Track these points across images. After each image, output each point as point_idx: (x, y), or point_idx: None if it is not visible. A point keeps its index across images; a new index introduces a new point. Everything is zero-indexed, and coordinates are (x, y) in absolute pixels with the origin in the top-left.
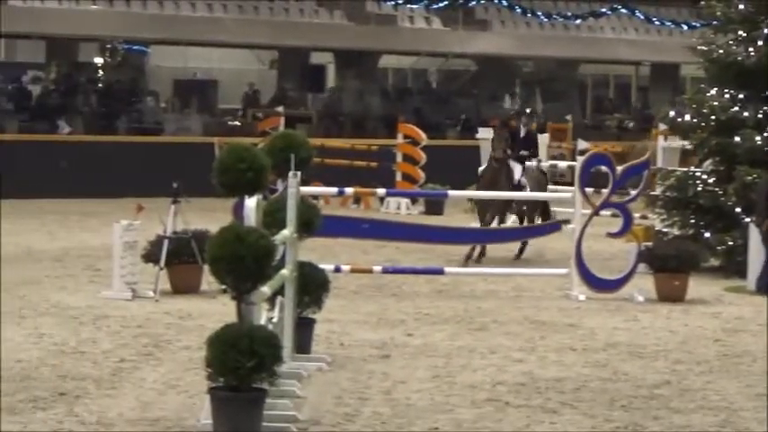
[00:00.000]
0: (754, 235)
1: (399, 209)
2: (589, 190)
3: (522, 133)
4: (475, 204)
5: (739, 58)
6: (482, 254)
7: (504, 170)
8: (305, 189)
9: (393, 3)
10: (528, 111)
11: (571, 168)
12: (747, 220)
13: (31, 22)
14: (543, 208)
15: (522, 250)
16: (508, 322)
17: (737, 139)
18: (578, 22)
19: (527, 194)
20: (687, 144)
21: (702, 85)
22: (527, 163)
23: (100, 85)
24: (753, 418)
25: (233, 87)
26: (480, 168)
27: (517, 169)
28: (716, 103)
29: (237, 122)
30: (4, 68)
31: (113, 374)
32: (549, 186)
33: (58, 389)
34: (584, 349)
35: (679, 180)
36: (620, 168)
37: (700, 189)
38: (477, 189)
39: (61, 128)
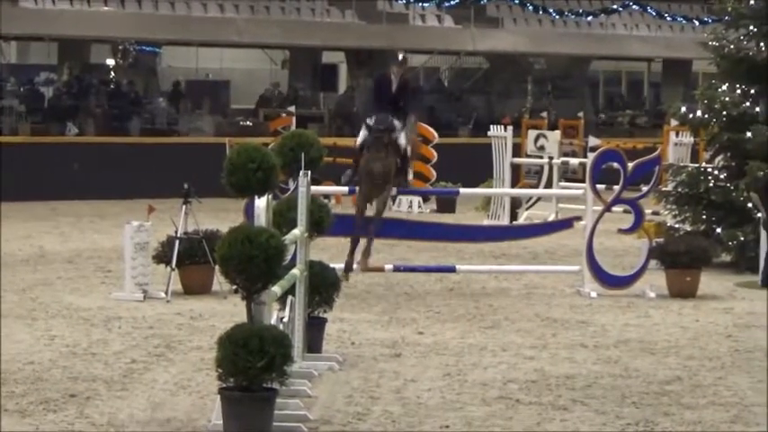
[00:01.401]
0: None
1: (411, 207)
2: (600, 186)
3: (395, 85)
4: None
5: (751, 54)
6: (367, 252)
7: (389, 152)
8: (316, 188)
9: (404, 1)
10: (401, 57)
11: (582, 165)
12: (759, 215)
13: (43, 23)
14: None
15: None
16: (519, 319)
17: (749, 134)
18: (590, 18)
19: (539, 191)
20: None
21: (714, 81)
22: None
23: (112, 86)
24: (764, 413)
25: (245, 87)
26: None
27: (401, 137)
28: (727, 99)
29: (249, 122)
30: (16, 70)
31: (124, 376)
32: (561, 183)
33: (69, 390)
34: (595, 346)
35: (690, 176)
36: (631, 165)
37: (711, 185)
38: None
39: (68, 129)
